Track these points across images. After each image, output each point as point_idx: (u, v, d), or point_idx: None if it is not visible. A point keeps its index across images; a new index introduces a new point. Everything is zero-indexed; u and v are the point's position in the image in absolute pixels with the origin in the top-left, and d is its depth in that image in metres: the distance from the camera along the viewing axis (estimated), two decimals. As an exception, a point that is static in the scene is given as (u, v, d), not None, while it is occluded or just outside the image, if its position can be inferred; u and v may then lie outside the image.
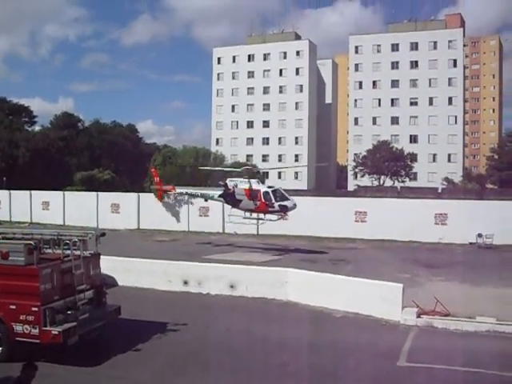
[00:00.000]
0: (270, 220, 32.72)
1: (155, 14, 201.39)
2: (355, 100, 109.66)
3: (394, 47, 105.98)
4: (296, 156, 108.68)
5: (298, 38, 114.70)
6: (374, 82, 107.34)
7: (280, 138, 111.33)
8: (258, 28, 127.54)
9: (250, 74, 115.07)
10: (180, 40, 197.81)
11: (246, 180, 32.00)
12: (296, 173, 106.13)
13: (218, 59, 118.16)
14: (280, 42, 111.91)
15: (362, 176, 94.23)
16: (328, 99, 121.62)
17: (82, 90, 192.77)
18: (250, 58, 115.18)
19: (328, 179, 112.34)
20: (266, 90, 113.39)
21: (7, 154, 72.26)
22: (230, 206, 33.31)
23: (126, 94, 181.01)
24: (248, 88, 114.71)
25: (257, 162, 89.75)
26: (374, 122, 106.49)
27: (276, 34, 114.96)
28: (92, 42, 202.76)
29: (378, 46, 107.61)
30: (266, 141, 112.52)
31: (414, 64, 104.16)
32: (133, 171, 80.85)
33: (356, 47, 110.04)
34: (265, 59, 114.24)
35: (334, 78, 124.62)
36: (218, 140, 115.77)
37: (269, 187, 32.58)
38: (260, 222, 33.82)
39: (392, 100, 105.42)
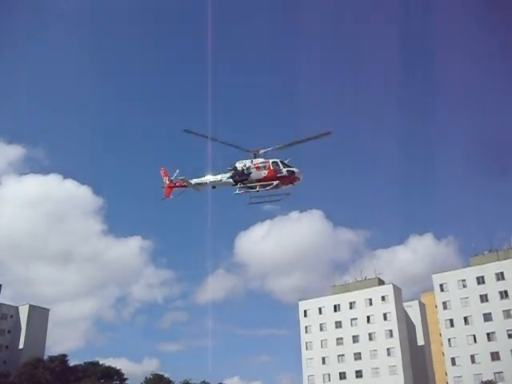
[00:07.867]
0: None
1: (230, 268, 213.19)
2: (449, 339, 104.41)
3: (480, 280, 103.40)
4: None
5: (381, 282, 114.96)
6: (466, 318, 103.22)
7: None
8: (329, 273, 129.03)
9: (338, 324, 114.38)
10: (256, 293, 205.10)
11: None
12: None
13: (305, 312, 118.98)
14: (363, 289, 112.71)
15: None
16: (420, 341, 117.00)
17: (167, 348, 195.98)
18: (336, 308, 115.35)
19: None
20: (355, 339, 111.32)
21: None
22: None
23: (209, 351, 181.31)
24: (337, 338, 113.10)
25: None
26: (473, 361, 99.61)
27: (359, 282, 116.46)
28: (177, 302, 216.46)
29: (463, 280, 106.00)
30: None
31: (504, 294, 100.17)
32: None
33: (441, 285, 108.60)
34: (351, 308, 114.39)
35: (423, 319, 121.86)
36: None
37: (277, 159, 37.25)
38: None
39: (488, 334, 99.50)
